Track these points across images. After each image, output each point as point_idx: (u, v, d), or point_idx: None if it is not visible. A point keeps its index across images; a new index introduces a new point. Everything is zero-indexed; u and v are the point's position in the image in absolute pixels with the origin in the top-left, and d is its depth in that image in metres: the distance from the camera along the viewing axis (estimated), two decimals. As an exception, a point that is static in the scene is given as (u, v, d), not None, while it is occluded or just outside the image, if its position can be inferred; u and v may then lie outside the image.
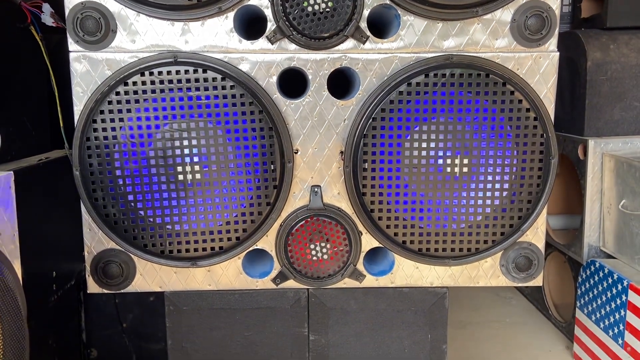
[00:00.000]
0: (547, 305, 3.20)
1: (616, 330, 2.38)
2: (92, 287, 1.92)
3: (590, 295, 2.57)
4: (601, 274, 2.49)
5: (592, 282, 2.56)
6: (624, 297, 2.32)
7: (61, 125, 2.08)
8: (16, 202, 1.63)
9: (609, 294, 2.43)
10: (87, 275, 1.91)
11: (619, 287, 2.35)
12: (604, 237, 2.65)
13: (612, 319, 2.41)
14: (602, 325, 2.49)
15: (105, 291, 1.93)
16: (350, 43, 1.82)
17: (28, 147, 2.17)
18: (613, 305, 2.40)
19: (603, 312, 2.48)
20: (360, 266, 1.95)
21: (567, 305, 3.05)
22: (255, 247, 1.92)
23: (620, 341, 2.35)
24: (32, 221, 1.90)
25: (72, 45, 1.78)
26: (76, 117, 1.79)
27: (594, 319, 2.55)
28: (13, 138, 2.03)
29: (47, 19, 2.22)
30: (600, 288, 2.50)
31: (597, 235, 2.67)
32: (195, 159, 1.81)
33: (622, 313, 2.33)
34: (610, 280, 2.42)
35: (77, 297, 2.52)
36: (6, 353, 1.25)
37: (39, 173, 2.09)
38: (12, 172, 1.48)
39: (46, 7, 2.24)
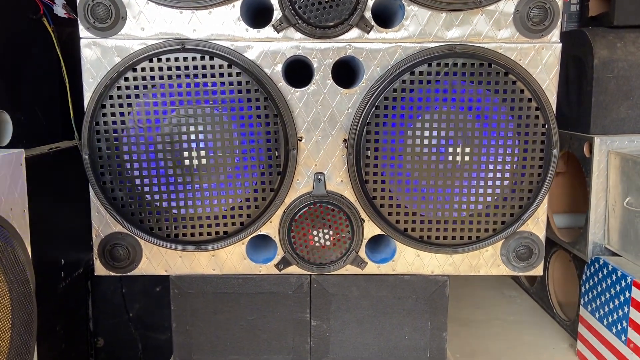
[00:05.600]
0: (552, 303, 3.20)
1: (619, 327, 2.38)
2: (100, 269, 1.93)
3: (594, 292, 2.58)
4: (605, 271, 2.49)
5: (596, 279, 2.56)
6: (627, 294, 2.32)
7: (71, 115, 2.12)
8: (26, 190, 1.66)
9: (612, 291, 2.43)
10: (94, 258, 1.93)
11: (623, 284, 2.35)
12: (608, 235, 2.66)
13: (615, 316, 2.41)
14: (605, 322, 2.49)
15: (112, 274, 1.94)
16: (354, 32, 1.82)
17: (39, 137, 2.20)
18: (617, 302, 2.40)
19: (607, 309, 2.48)
20: (362, 253, 1.95)
21: (571, 304, 3.05)
22: (259, 233, 1.93)
23: (623, 338, 2.35)
24: (41, 209, 1.92)
25: (82, 32, 1.79)
26: (86, 103, 1.81)
27: (597, 316, 2.56)
28: (24, 127, 2.07)
29: (59, 10, 2.26)
30: (604, 285, 2.50)
31: (602, 232, 2.67)
32: (201, 144, 1.81)
33: (626, 310, 2.33)
34: (614, 277, 2.42)
35: (85, 286, 2.56)
36: (15, 323, 1.28)
37: (49, 162, 2.12)
38: (23, 150, 1.52)
39: (58, -1, 2.28)
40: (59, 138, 2.37)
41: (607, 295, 2.48)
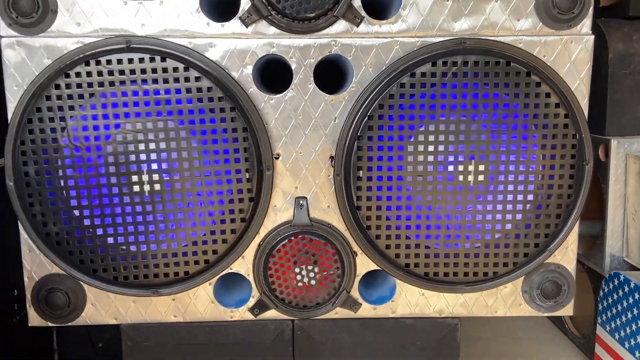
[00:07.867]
0: (563, 318, 3.08)
1: (643, 351, 2.24)
2: (34, 319, 1.77)
3: (614, 311, 2.45)
4: (626, 289, 2.36)
5: (615, 297, 2.44)
6: (653, 316, 2.18)
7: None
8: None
9: (635, 311, 2.29)
10: (27, 306, 1.74)
11: (648, 304, 2.21)
12: (627, 247, 2.53)
13: (638, 339, 2.28)
14: (627, 345, 2.35)
15: (50, 324, 1.77)
16: (341, 25, 1.69)
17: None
18: (639, 324, 2.26)
19: (628, 330, 2.35)
20: (354, 293, 1.82)
21: (584, 319, 2.91)
22: (229, 271, 1.80)
23: (647, 363, 2.21)
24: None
25: (4, 30, 1.64)
26: (9, 117, 1.63)
27: (617, 337, 2.43)
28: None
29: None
30: (624, 304, 2.37)
31: (619, 244, 2.56)
32: (155, 166, 1.68)
33: (650, 333, 2.20)
34: (636, 296, 2.28)
35: (48, 317, 2.44)
36: None
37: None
38: None
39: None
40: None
41: (629, 315, 2.36)
